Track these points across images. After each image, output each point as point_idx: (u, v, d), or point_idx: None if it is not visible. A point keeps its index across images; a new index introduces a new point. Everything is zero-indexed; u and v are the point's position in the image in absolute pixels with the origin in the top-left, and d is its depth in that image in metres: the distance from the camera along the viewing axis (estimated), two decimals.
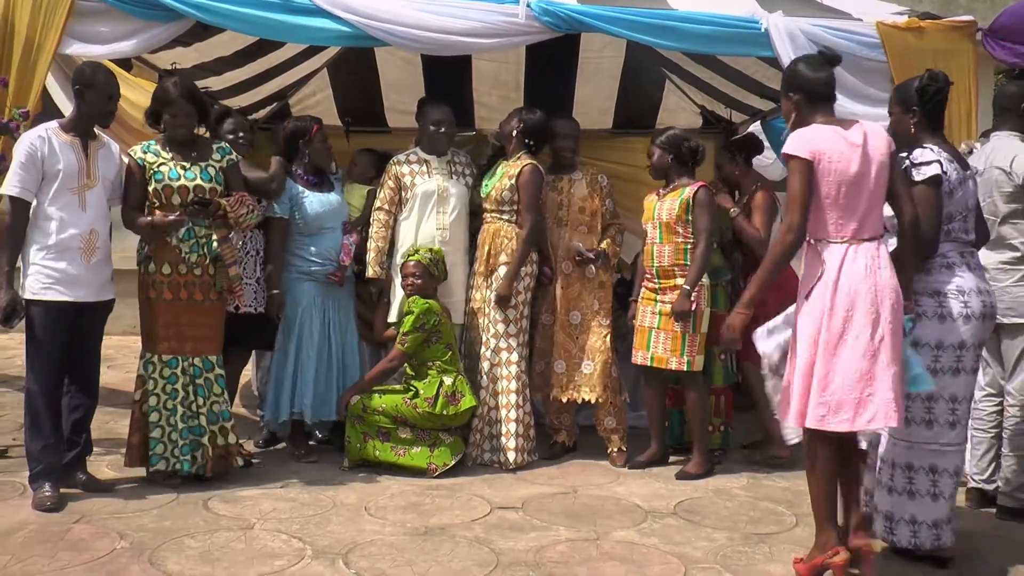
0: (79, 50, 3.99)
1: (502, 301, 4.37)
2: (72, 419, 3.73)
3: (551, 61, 5.61)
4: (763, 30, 4.08)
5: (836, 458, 2.91)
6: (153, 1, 3.94)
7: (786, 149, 2.90)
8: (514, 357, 4.40)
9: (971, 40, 4.24)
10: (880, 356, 2.79)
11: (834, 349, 2.82)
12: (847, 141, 2.87)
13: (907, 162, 3.05)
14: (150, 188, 3.81)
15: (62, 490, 3.59)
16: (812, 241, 2.94)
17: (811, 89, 2.97)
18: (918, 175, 3.03)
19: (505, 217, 4.48)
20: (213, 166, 3.92)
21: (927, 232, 3.00)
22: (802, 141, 2.87)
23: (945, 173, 3.06)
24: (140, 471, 3.88)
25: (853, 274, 2.82)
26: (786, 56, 4.06)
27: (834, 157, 2.84)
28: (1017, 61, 4.32)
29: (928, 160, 3.03)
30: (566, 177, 4.66)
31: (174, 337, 3.83)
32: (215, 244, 3.86)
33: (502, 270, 4.40)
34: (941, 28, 4.23)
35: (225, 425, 3.92)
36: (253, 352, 5.00)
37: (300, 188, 4.45)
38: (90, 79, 3.64)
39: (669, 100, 6.38)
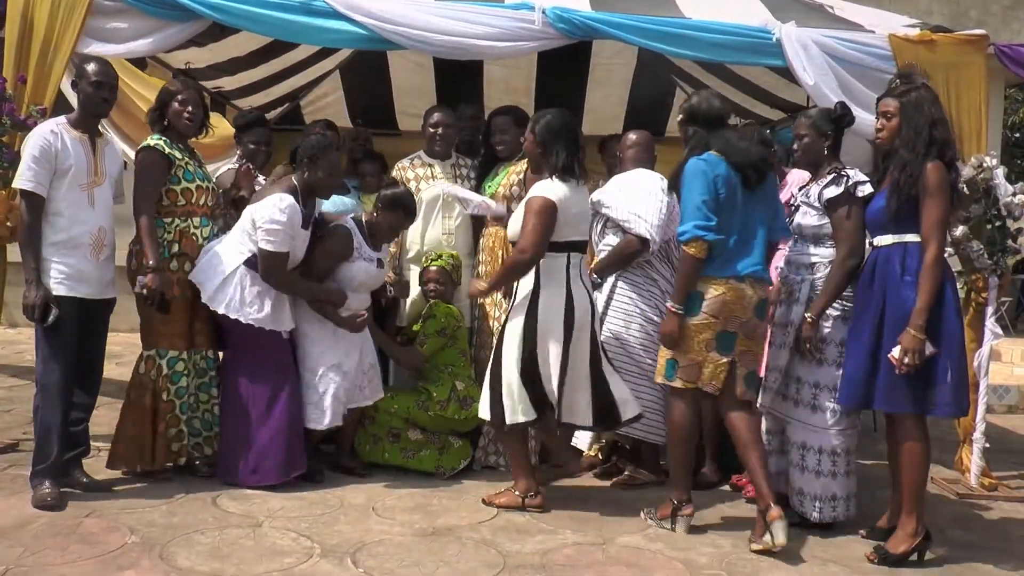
0: (96, 49, 4.01)
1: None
2: (74, 418, 3.66)
3: (562, 67, 5.65)
4: (775, 40, 4.11)
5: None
6: (171, 1, 3.97)
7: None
8: None
9: (982, 54, 4.25)
10: None
11: None
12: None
13: (848, 180, 3.46)
14: (178, 187, 3.78)
15: (62, 489, 3.57)
16: None
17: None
18: (861, 192, 3.45)
19: None
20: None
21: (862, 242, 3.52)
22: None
23: None
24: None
25: None
26: (799, 66, 4.08)
27: None
28: None
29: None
30: None
31: (183, 334, 3.84)
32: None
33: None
34: (953, 41, 4.24)
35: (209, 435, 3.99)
36: None
37: None
38: (80, 70, 3.61)
39: (679, 107, 6.41)
